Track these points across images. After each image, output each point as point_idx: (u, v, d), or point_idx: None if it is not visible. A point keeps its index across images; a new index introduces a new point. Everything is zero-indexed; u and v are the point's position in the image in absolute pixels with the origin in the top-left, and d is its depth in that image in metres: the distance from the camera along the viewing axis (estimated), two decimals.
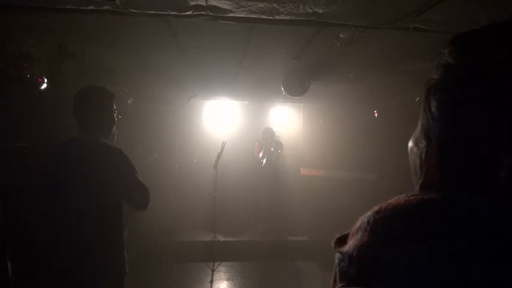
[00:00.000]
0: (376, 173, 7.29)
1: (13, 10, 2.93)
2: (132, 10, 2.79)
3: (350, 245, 0.45)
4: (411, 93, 6.17)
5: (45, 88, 3.83)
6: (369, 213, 0.45)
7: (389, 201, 0.44)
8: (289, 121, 8.81)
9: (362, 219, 0.46)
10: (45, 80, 3.80)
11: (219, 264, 4.76)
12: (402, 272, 0.39)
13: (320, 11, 2.80)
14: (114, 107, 2.14)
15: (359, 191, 7.05)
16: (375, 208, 0.45)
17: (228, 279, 4.80)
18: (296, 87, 5.09)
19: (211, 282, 4.48)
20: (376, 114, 7.85)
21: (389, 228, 0.42)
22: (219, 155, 5.07)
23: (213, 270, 4.59)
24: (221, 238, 5.27)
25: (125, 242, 2.09)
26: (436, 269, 0.37)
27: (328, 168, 7.88)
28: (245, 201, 7.44)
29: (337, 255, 0.46)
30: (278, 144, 6.70)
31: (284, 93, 5.25)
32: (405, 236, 0.40)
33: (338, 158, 8.03)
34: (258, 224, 6.64)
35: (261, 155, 6.76)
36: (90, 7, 2.74)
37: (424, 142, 0.49)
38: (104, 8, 2.75)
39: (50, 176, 2.03)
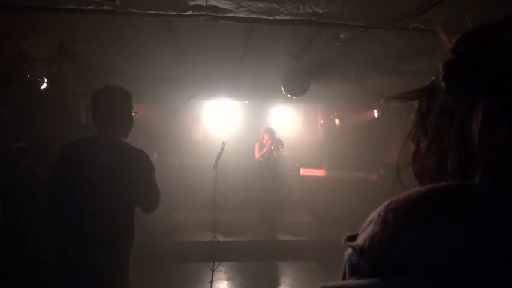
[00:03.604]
0: (376, 173, 7.29)
1: (13, 10, 2.93)
2: (132, 10, 2.79)
3: (361, 238, 0.44)
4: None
5: (45, 88, 3.83)
6: (380, 207, 0.45)
7: (399, 195, 0.44)
8: (289, 121, 8.81)
9: (372, 214, 0.46)
10: (45, 80, 3.80)
11: (219, 264, 4.76)
12: (415, 253, 0.39)
13: (320, 11, 2.80)
14: (133, 106, 2.12)
15: (360, 191, 7.06)
16: (386, 202, 0.45)
17: (228, 279, 4.80)
18: (296, 87, 5.10)
19: (211, 282, 4.48)
20: (376, 114, 7.85)
21: (401, 215, 0.42)
22: (219, 155, 5.07)
23: (213, 270, 4.58)
24: (221, 238, 5.26)
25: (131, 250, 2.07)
26: (447, 247, 0.38)
27: (328, 168, 7.89)
28: (245, 201, 7.44)
29: (347, 252, 0.46)
30: (279, 142, 6.69)
31: (284, 93, 5.25)
32: (417, 219, 0.41)
33: (338, 158, 8.03)
34: (258, 224, 6.64)
35: (260, 154, 6.75)
36: (90, 7, 2.74)
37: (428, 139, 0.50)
38: (104, 8, 2.75)
39: (60, 175, 1.97)
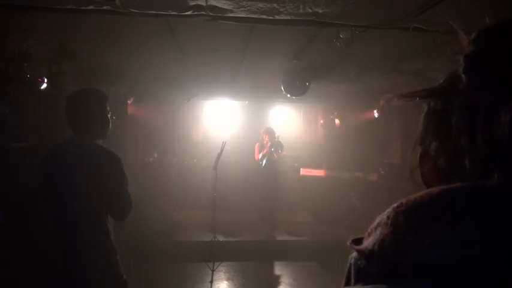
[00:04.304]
0: (376, 173, 7.29)
1: (13, 10, 2.93)
2: (132, 10, 2.79)
3: (369, 242, 0.43)
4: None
5: (45, 88, 3.83)
6: (388, 210, 0.44)
7: (409, 196, 0.43)
8: (289, 121, 8.81)
9: (380, 217, 0.44)
10: (45, 80, 3.79)
11: (219, 264, 4.76)
12: (424, 255, 0.38)
13: (320, 11, 2.80)
14: (108, 108, 2.10)
15: (359, 191, 7.06)
16: (394, 204, 0.43)
17: (228, 279, 4.80)
18: (296, 87, 5.09)
19: (211, 282, 4.48)
20: (376, 114, 7.85)
21: (413, 217, 0.41)
22: (219, 155, 5.07)
23: (213, 270, 4.58)
24: (221, 238, 5.26)
25: (116, 246, 2.06)
26: (457, 248, 0.37)
27: (328, 168, 7.90)
28: (245, 201, 7.44)
29: (353, 255, 0.45)
30: (279, 145, 6.69)
31: (284, 93, 5.25)
32: (427, 220, 0.40)
33: (338, 158, 8.03)
34: (258, 224, 6.64)
35: (260, 156, 6.75)
36: (90, 7, 2.74)
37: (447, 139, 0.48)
38: (104, 8, 2.74)
39: (41, 178, 2.01)
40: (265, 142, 6.71)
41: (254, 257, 5.53)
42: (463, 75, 0.45)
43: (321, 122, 9.08)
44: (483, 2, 2.51)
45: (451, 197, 0.40)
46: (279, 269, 5.28)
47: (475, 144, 0.43)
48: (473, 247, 0.37)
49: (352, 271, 0.44)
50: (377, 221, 0.44)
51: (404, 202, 0.43)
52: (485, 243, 0.37)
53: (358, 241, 0.46)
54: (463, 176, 0.45)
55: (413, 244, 0.39)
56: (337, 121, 8.79)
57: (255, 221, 6.72)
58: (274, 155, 6.60)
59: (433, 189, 0.42)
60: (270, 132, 6.72)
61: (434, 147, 0.50)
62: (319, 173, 7.78)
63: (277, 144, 6.66)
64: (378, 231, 0.43)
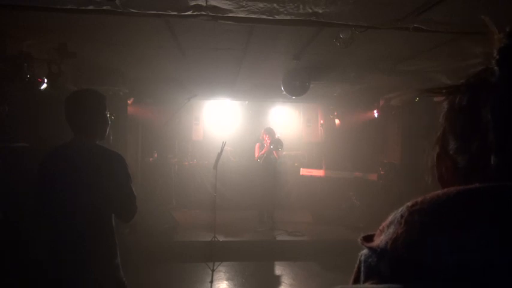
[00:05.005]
0: (376, 172, 7.30)
1: (13, 10, 2.93)
2: (132, 10, 2.78)
3: (381, 240, 0.42)
4: (411, 93, 6.17)
5: (45, 88, 3.83)
6: (402, 208, 0.43)
7: (424, 196, 0.42)
8: (289, 121, 8.81)
9: (394, 215, 0.43)
10: (45, 80, 3.79)
11: (219, 264, 4.76)
12: (445, 257, 0.37)
13: (320, 11, 2.80)
14: (107, 108, 2.10)
15: (359, 191, 7.06)
16: (409, 203, 0.42)
17: (228, 279, 4.80)
18: (296, 87, 5.09)
19: (211, 282, 4.48)
20: (376, 114, 7.85)
21: (428, 217, 0.39)
22: (219, 155, 5.07)
23: (213, 270, 4.58)
24: (221, 238, 5.27)
25: (118, 247, 2.04)
26: (481, 253, 0.36)
27: (328, 168, 7.90)
28: (245, 201, 7.44)
29: (363, 252, 0.44)
30: (278, 143, 6.69)
31: (284, 93, 5.25)
32: (448, 221, 0.38)
33: (338, 158, 8.03)
34: (258, 224, 6.64)
35: (258, 155, 6.75)
36: (90, 7, 2.74)
37: (473, 140, 0.46)
38: (104, 8, 2.74)
39: (41, 180, 2.00)
40: (265, 142, 6.71)
41: (254, 257, 5.53)
42: (497, 69, 0.44)
43: (321, 122, 9.08)
44: (482, 2, 2.52)
45: (470, 198, 0.39)
46: (279, 269, 5.28)
47: (507, 141, 0.42)
48: (492, 252, 0.36)
49: (362, 268, 0.44)
50: (390, 218, 0.43)
51: (419, 201, 0.41)
52: (506, 248, 0.35)
53: (368, 238, 0.45)
54: (483, 177, 0.43)
55: (427, 245, 0.38)
56: (337, 121, 8.79)
57: (255, 221, 6.72)
58: (274, 153, 6.60)
59: (450, 189, 0.41)
60: (270, 133, 6.72)
61: (453, 146, 0.49)
62: (319, 173, 7.77)
63: (277, 142, 6.65)
64: (391, 230, 0.42)
